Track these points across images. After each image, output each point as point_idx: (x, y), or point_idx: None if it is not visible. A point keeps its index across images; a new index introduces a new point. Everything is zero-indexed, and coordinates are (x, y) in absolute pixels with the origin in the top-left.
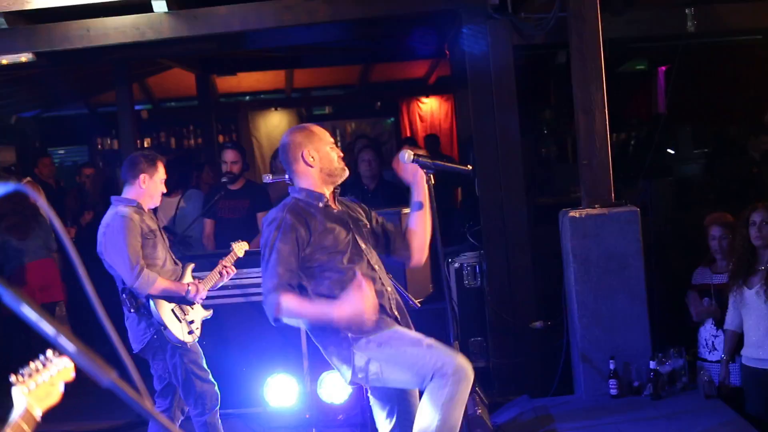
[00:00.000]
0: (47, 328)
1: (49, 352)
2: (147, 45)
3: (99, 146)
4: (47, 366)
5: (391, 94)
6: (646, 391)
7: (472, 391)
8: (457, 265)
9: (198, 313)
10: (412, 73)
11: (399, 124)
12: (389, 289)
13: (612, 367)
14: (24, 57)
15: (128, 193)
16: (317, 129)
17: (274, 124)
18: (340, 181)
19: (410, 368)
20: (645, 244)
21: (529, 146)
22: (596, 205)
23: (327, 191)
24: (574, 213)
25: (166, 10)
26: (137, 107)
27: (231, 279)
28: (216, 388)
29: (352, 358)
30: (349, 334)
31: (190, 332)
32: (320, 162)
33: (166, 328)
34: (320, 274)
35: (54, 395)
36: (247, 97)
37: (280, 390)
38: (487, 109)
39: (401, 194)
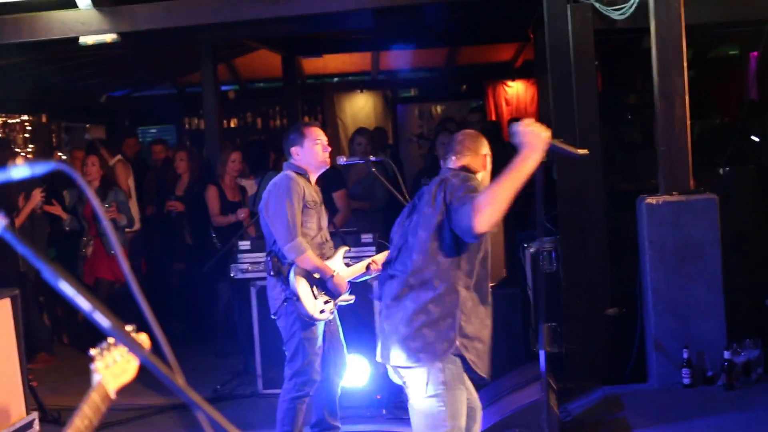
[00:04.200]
0: (83, 303)
1: (129, 327)
2: (230, 26)
3: (186, 126)
4: None
5: (478, 77)
6: (719, 381)
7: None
8: (533, 250)
9: None
10: (499, 57)
11: (485, 107)
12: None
13: (685, 356)
14: (109, 37)
15: (290, 164)
16: None
17: (359, 105)
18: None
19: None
20: (725, 233)
21: (610, 131)
22: (674, 193)
23: None
24: (651, 200)
25: None
26: (225, 88)
27: None
28: (317, 376)
29: (433, 360)
30: (458, 342)
31: (322, 311)
32: None
33: (298, 299)
34: None
35: (129, 372)
36: (335, 79)
37: (352, 370)
38: (567, 92)
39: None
